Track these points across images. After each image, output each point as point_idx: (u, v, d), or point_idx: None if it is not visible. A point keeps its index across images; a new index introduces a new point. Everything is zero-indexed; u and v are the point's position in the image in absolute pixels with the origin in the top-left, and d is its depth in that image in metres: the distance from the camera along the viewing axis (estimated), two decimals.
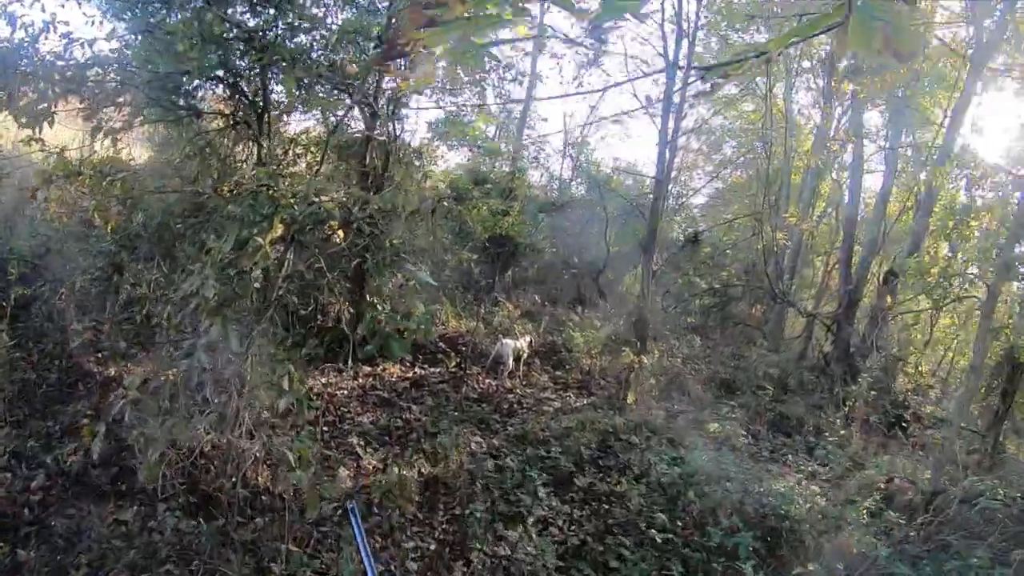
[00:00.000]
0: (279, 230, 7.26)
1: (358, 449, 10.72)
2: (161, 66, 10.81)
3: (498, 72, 18.36)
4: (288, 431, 9.37)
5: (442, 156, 22.11)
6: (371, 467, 10.30)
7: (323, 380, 12.98)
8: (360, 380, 13.40)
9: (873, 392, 17.23)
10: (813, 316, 20.91)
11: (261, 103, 11.99)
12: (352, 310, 14.27)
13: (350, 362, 13.87)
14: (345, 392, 12.72)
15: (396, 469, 10.03)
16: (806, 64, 25.26)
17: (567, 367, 15.90)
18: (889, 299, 18.93)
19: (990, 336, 17.21)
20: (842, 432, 15.15)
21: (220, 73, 11.75)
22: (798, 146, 25.09)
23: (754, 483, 11.24)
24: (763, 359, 19.52)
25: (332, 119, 14.94)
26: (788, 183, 24.12)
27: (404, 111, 16.39)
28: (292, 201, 7.78)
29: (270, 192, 7.79)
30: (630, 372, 14.18)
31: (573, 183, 25.55)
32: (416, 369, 14.41)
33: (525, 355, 15.16)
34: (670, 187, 24.09)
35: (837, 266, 26.18)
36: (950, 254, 19.95)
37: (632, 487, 10.76)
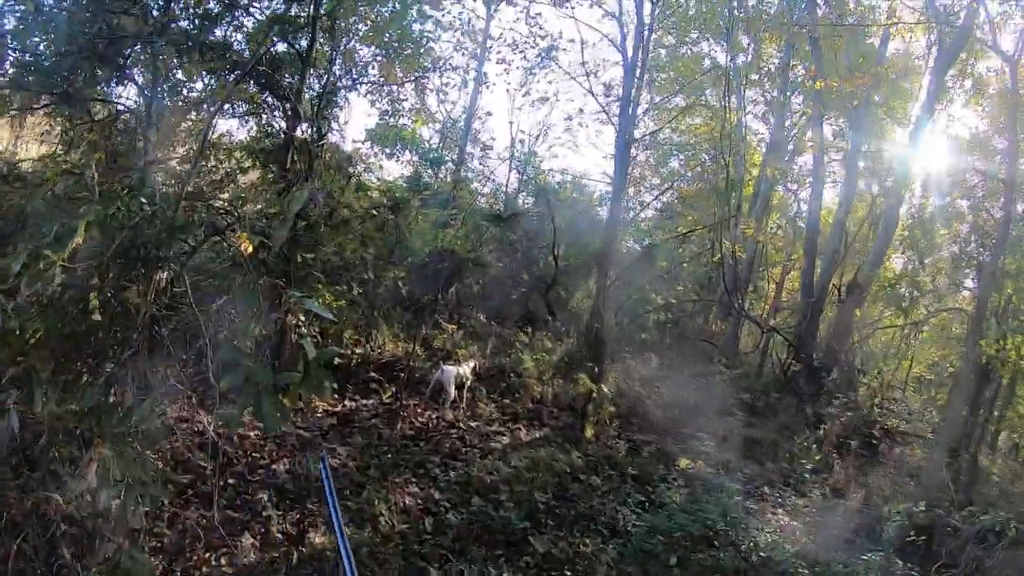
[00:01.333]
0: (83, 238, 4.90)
1: (268, 509, 8.46)
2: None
3: (438, 73, 16.30)
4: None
5: (380, 165, 20.03)
6: (281, 536, 8.06)
7: None
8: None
9: (844, 410, 15.44)
10: (774, 331, 18.95)
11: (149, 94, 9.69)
12: (273, 337, 12.05)
13: None
14: (257, 433, 10.41)
15: (313, 537, 7.79)
16: (755, 77, 23.43)
17: (516, 394, 13.75)
18: (858, 312, 17.08)
19: (968, 345, 15.70)
20: (817, 457, 13.23)
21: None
22: (748, 158, 23.22)
23: (738, 531, 9.22)
24: (723, 377, 17.52)
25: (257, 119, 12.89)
26: (740, 194, 22.25)
27: (336, 112, 14.34)
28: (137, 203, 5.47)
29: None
30: (587, 402, 12.03)
31: (520, 195, 23.37)
32: (346, 402, 12.19)
33: (469, 382, 13.03)
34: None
35: (793, 279, 24.61)
36: (920, 264, 18.30)
37: (598, 548, 8.63)
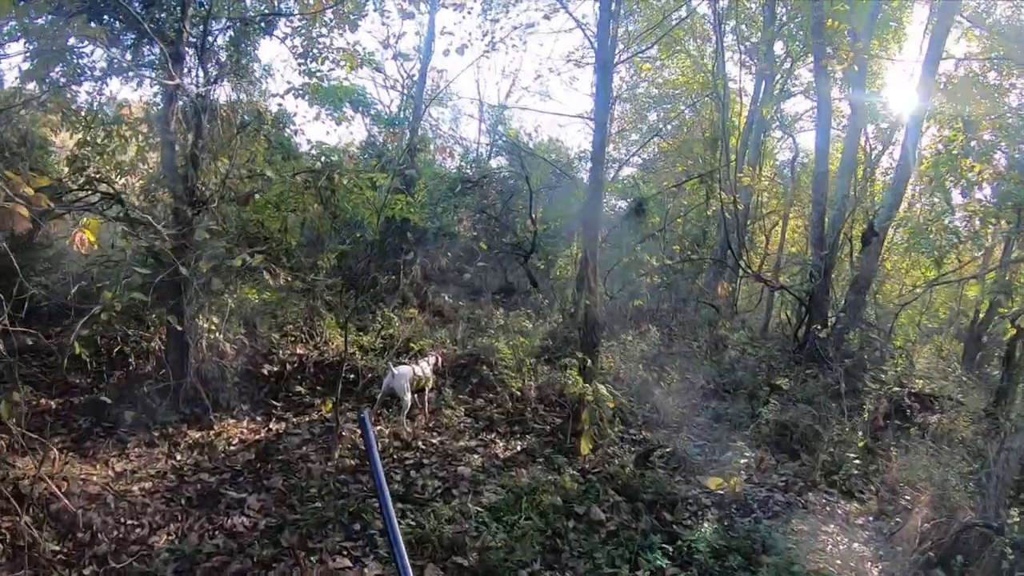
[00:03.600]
0: None
1: None
2: None
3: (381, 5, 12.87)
4: None
5: (328, 130, 16.62)
6: None
7: (117, 467, 7.61)
8: (178, 457, 8.04)
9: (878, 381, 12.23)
10: (783, 289, 15.64)
11: None
12: (172, 346, 8.88)
13: (169, 427, 8.40)
14: (148, 485, 7.28)
15: None
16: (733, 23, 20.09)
17: (493, 391, 10.43)
18: (887, 264, 13.78)
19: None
20: (861, 443, 9.93)
21: None
22: (731, 107, 19.89)
23: None
24: (734, 346, 14.28)
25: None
26: (727, 144, 18.92)
27: (252, 64, 10.99)
28: None
29: None
30: (579, 408, 8.66)
31: (494, 158, 19.89)
32: (271, 424, 8.93)
33: (431, 383, 9.70)
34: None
35: (793, 230, 21.38)
36: (950, 205, 15.00)
37: None
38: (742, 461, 8.19)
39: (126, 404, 8.54)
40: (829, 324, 14.16)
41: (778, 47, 21.44)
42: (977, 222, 13.87)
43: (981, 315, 16.81)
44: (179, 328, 8.58)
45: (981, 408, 12.01)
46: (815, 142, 16.23)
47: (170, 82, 8.22)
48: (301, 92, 11.24)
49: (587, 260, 10.21)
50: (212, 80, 9.16)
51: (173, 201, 8.74)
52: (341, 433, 8.45)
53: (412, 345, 10.81)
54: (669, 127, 24.91)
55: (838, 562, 7.03)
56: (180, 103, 8.87)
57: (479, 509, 7.12)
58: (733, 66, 20.74)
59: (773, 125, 22.23)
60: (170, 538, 6.38)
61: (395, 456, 8.37)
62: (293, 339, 11.00)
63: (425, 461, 8.29)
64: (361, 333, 11.43)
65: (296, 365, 10.32)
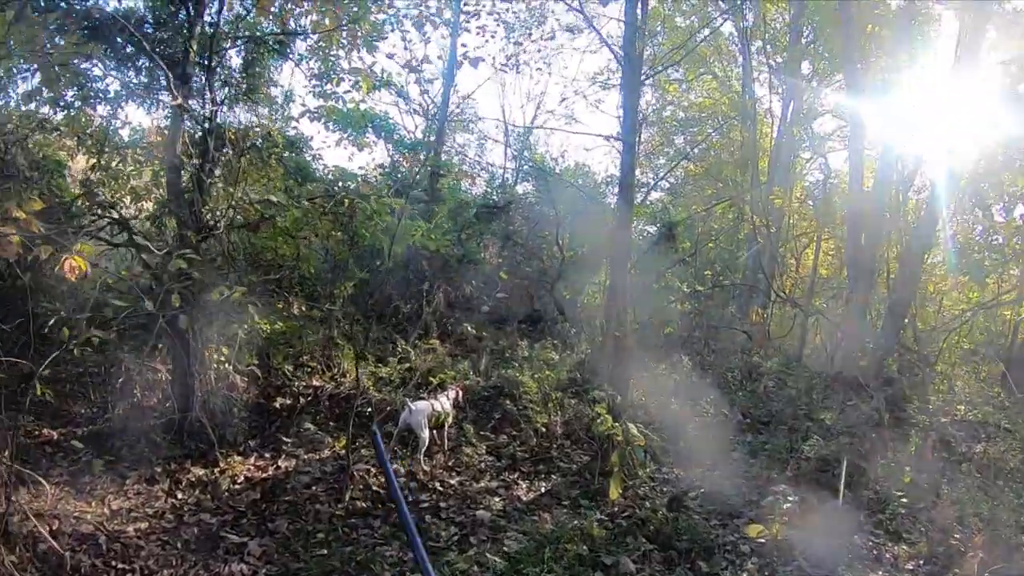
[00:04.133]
0: None
1: None
2: None
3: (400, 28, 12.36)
4: None
5: (350, 156, 16.18)
6: None
7: (114, 504, 7.06)
8: (179, 495, 7.47)
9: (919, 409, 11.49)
10: (820, 314, 14.88)
11: None
12: (177, 377, 8.38)
13: (172, 463, 7.85)
14: (145, 525, 6.73)
15: None
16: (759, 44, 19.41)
17: (516, 428, 9.77)
18: (930, 286, 12.99)
19: None
20: (907, 479, 9.11)
21: None
22: (759, 128, 19.18)
23: None
24: (769, 375, 13.51)
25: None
26: (755, 166, 18.21)
27: (268, 86, 10.57)
28: None
29: None
30: (609, 447, 7.98)
31: (520, 183, 19.28)
32: (280, 461, 8.33)
33: (450, 419, 9.06)
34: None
35: (826, 252, 20.56)
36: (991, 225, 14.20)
37: None
38: (785, 506, 7.44)
39: (129, 437, 8.04)
40: (868, 350, 13.36)
41: (805, 66, 20.83)
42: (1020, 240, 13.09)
43: (1021, 336, 15.96)
44: (185, 359, 8.11)
45: None
46: (849, 160, 15.48)
47: (173, 102, 7.76)
48: (316, 115, 10.74)
49: (616, 288, 9.58)
50: (219, 102, 8.67)
51: (177, 227, 8.26)
52: (352, 474, 7.83)
53: (431, 379, 10.21)
54: (696, 150, 24.21)
55: None
56: (187, 126, 8.44)
57: (498, 560, 6.50)
58: (760, 87, 20.16)
59: (803, 145, 21.50)
60: None
61: (410, 498, 7.75)
62: (309, 371, 10.43)
63: (442, 504, 7.67)
64: (380, 365, 10.83)
65: (310, 398, 9.77)
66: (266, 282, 9.52)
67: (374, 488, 7.84)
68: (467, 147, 20.69)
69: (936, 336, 15.28)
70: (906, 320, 13.96)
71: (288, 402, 9.61)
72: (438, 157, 14.75)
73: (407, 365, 10.75)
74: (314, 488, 7.78)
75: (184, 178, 8.42)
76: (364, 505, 7.49)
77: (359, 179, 11.37)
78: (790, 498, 7.56)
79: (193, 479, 7.73)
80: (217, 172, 8.86)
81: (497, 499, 7.91)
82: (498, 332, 14.06)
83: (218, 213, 8.41)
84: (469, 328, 13.00)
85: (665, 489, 8.51)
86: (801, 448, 9.82)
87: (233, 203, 8.22)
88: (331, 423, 9.38)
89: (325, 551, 6.54)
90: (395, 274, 13.13)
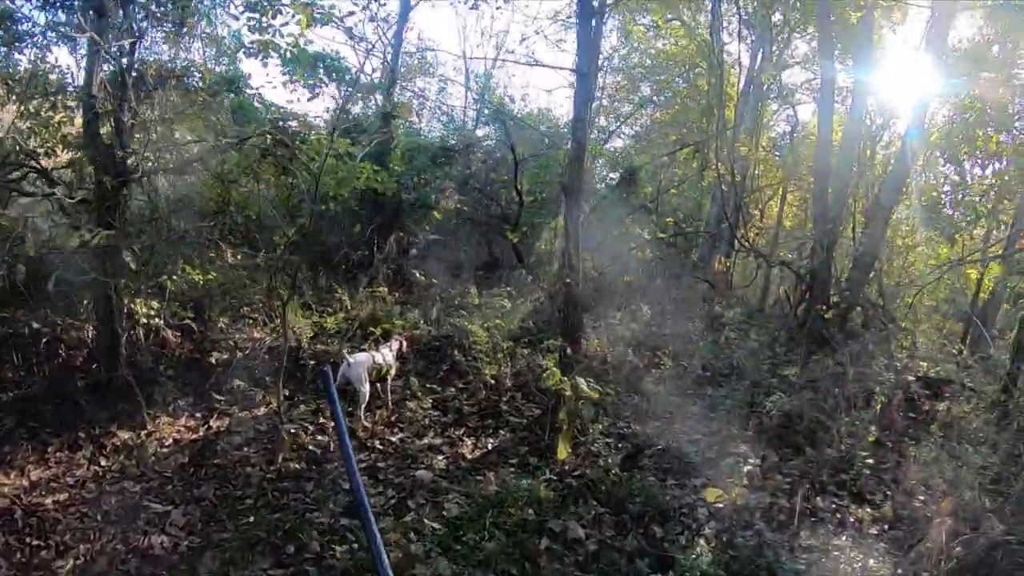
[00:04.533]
0: None
1: None
2: None
3: None
4: None
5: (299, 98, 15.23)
6: None
7: (34, 474, 6.51)
8: (102, 462, 6.86)
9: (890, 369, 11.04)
10: (784, 265, 14.36)
11: None
12: (102, 334, 7.64)
13: (96, 427, 7.29)
14: (64, 496, 6.19)
15: None
16: None
17: (464, 380, 9.14)
18: (899, 241, 12.48)
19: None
20: (871, 438, 8.69)
21: None
22: (728, 78, 18.41)
23: None
24: (732, 326, 12.98)
25: None
26: (722, 112, 17.50)
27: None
28: None
29: None
30: (557, 403, 7.38)
31: (477, 125, 18.39)
32: (212, 421, 7.64)
33: (393, 371, 8.39)
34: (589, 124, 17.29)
35: (794, 204, 20.06)
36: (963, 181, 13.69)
37: None
38: (745, 469, 6.90)
39: (54, 401, 7.41)
40: (833, 304, 12.86)
41: (776, 16, 20.07)
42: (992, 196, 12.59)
43: (983, 295, 15.55)
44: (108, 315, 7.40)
45: (990, 394, 10.86)
46: (818, 111, 14.81)
47: (80, 35, 6.92)
48: (252, 51, 9.79)
49: (569, 232, 8.86)
50: (139, 35, 7.80)
51: (95, 174, 7.46)
52: (283, 434, 7.18)
53: (372, 329, 9.53)
54: (662, 98, 23.47)
55: None
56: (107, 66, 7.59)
57: (436, 526, 5.90)
58: (728, 36, 19.38)
59: (770, 95, 20.80)
60: (78, 562, 5.31)
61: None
62: (251, 322, 9.72)
63: (380, 464, 7.07)
64: (325, 315, 10.11)
65: (248, 352, 9.05)
66: (198, 230, 8.77)
67: (310, 448, 7.22)
68: (427, 91, 19.80)
69: (901, 292, 14.81)
70: (872, 275, 13.46)
71: (224, 357, 8.91)
72: (391, 98, 13.84)
73: (354, 314, 10.02)
74: (246, 449, 7.17)
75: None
76: (297, 467, 6.89)
77: (301, 118, 10.55)
78: (751, 460, 7.03)
79: (118, 443, 7.11)
80: (143, 114, 8.05)
81: (440, 457, 7.31)
82: (453, 279, 13.39)
83: (141, 158, 7.64)
84: (419, 275, 12.30)
85: (620, 446, 7.95)
86: (763, 403, 9.30)
87: (153, 146, 7.45)
88: (268, 379, 8.69)
89: (252, 518, 5.94)
90: (344, 220, 12.37)
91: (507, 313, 10.75)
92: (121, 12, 7.57)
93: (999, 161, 13.14)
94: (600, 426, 7.83)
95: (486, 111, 18.07)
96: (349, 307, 10.29)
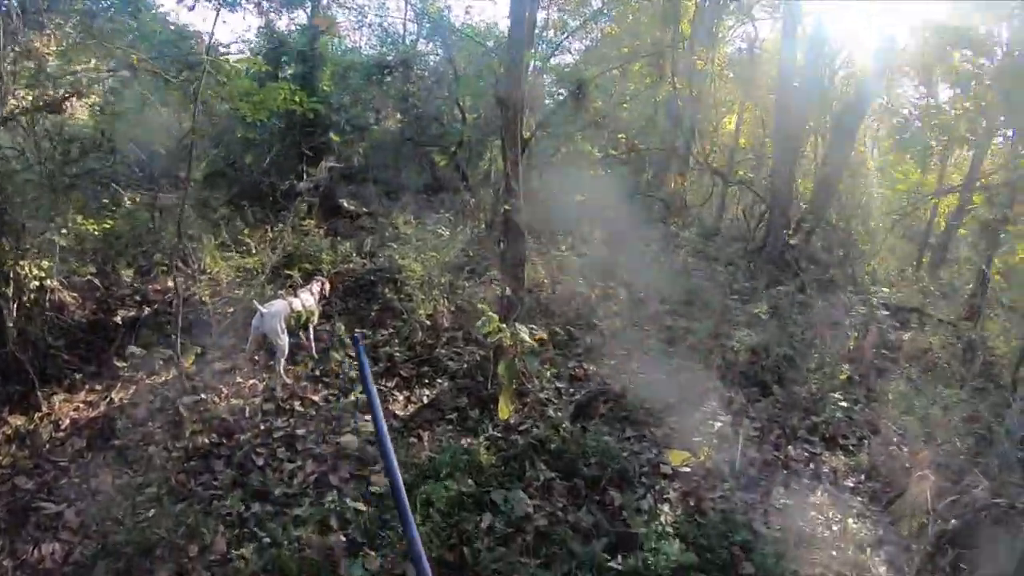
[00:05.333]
0: None
1: None
2: None
3: None
4: None
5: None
6: None
7: None
8: (6, 450, 5.79)
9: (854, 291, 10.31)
10: (743, 184, 13.42)
11: None
12: None
13: None
14: None
15: None
16: None
17: (398, 320, 8.05)
18: (869, 164, 11.56)
19: None
20: (843, 375, 8.01)
21: None
22: None
23: None
24: (688, 248, 12.02)
25: None
26: (678, 21, 16.24)
27: None
28: None
29: None
30: (496, 354, 6.34)
31: (416, 39, 16.86)
32: (115, 393, 6.52)
33: (315, 318, 7.32)
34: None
35: (749, 123, 18.97)
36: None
37: None
38: (715, 426, 5.98)
39: None
40: (795, 225, 11.97)
41: None
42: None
43: (941, 220, 14.81)
44: None
45: (955, 324, 10.17)
46: (783, 22, 13.63)
47: None
48: None
49: (507, 150, 7.71)
50: None
51: None
52: (182, 407, 6.10)
53: (289, 271, 8.38)
54: (614, 12, 22.00)
55: (834, 554, 5.01)
56: None
57: (360, 507, 4.93)
58: None
59: (729, 8, 19.45)
60: None
61: (262, 426, 6.06)
62: (165, 271, 8.45)
63: (300, 431, 6.03)
64: (248, 255, 8.89)
65: (156, 306, 7.87)
66: (88, 172, 7.50)
67: (223, 416, 6.13)
68: (367, 7, 18.23)
69: (861, 213, 13.96)
70: (836, 197, 12.60)
71: (131, 314, 7.72)
72: (318, 12, 12.41)
73: (278, 252, 8.80)
74: (150, 424, 6.07)
75: None
76: (206, 441, 5.84)
77: (201, 37, 9.17)
78: (719, 415, 6.12)
79: (10, 432, 5.94)
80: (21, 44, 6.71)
81: (368, 418, 6.26)
82: (392, 204, 12.22)
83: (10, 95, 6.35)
84: (348, 204, 11.10)
85: (571, 391, 7.00)
86: (727, 336, 8.40)
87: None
88: (181, 335, 7.54)
89: (153, 511, 4.92)
90: (270, 147, 11.08)
91: (446, 243, 9.64)
92: None
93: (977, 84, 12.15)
94: (545, 377, 6.83)
95: (426, 25, 16.57)
96: (273, 244, 9.06)
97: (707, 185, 16.94)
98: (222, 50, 9.71)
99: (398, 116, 14.58)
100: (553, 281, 9.40)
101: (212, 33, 7.23)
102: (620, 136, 14.88)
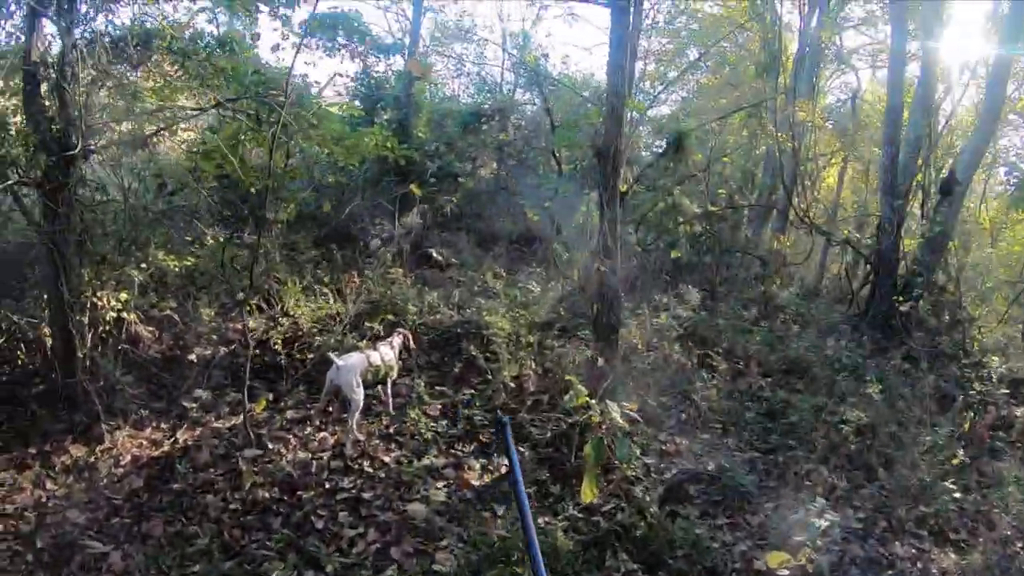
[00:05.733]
0: None
1: None
2: None
3: None
4: None
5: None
6: None
7: None
8: (49, 484, 5.60)
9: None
10: (847, 244, 12.62)
11: None
12: (56, 334, 6.46)
13: (51, 441, 6.19)
14: (1, 528, 5.03)
15: None
16: None
17: (484, 378, 7.59)
18: (983, 219, 10.70)
19: None
20: (955, 459, 7.05)
21: None
22: (783, 44, 16.35)
23: None
24: (789, 311, 11.32)
25: None
26: (777, 70, 15.57)
27: None
28: None
29: None
30: (583, 431, 5.79)
31: (514, 91, 16.66)
32: (181, 433, 6.30)
33: (395, 372, 6.95)
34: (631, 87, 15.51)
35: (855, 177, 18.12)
36: None
37: None
38: (819, 524, 5.29)
39: (6, 411, 6.25)
40: (901, 287, 11.10)
41: None
42: None
43: None
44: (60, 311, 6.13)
45: None
46: (888, 71, 12.92)
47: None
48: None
49: (603, 205, 7.21)
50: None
51: (32, 151, 6.11)
52: (242, 462, 5.79)
53: (369, 323, 8.03)
54: (711, 62, 21.48)
55: None
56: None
57: None
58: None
59: (829, 57, 18.72)
60: None
61: (327, 484, 5.68)
62: (249, 311, 8.25)
63: (367, 495, 5.60)
64: (332, 300, 8.63)
65: (233, 346, 7.64)
66: (173, 209, 7.43)
67: (286, 470, 5.78)
68: (466, 56, 18.16)
69: (974, 275, 12.90)
70: (945, 258, 11.67)
71: (207, 353, 7.51)
72: (413, 58, 12.30)
73: (362, 299, 8.50)
74: (211, 471, 5.79)
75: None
76: (266, 495, 5.48)
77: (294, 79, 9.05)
78: (827, 516, 5.41)
79: (69, 463, 5.82)
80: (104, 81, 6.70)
81: (441, 485, 5.80)
82: (484, 254, 11.89)
83: (89, 129, 6.31)
84: (435, 254, 10.78)
85: (661, 468, 6.39)
86: (830, 411, 7.66)
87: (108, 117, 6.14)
88: (260, 379, 7.28)
89: (199, 567, 4.59)
90: (360, 192, 10.93)
91: (537, 299, 9.18)
92: None
93: None
94: (636, 452, 6.23)
95: (523, 75, 16.35)
96: (358, 291, 8.78)
97: (807, 242, 16.12)
98: (314, 92, 9.64)
99: (494, 165, 14.36)
100: (647, 346, 8.80)
101: (290, 72, 7.03)
102: (720, 191, 14.26)
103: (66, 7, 6.29)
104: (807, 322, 11.11)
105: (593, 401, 5.65)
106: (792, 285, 13.65)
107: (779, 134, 12.37)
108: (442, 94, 15.86)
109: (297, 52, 7.07)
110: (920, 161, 11.99)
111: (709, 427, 7.40)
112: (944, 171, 12.04)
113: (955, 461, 7.08)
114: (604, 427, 5.51)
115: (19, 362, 6.72)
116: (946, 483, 6.49)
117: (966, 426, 7.80)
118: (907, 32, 12.77)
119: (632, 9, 7.68)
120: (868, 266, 12.21)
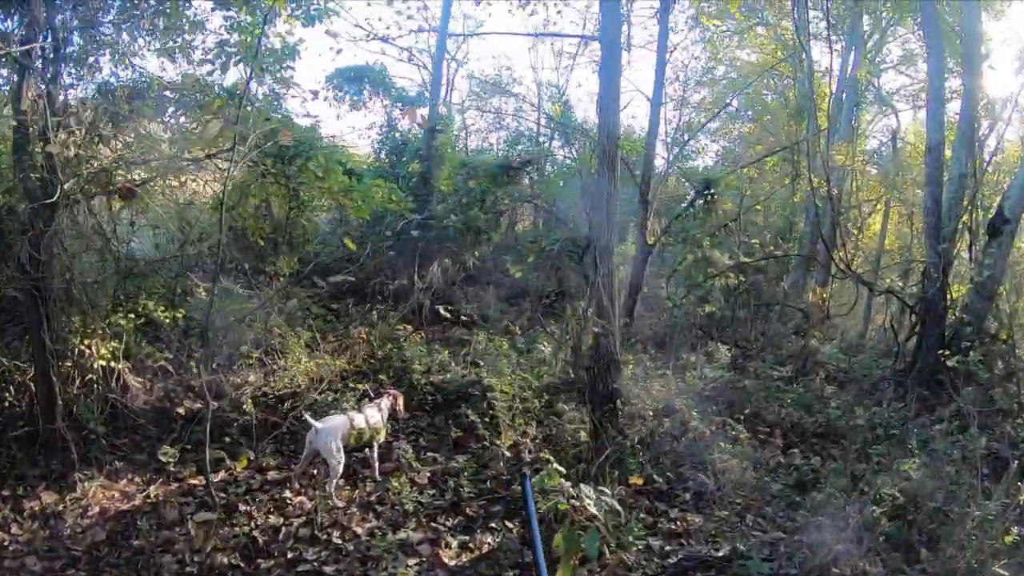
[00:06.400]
0: None
1: None
2: None
3: None
4: None
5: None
6: None
7: None
8: (13, 530, 5.30)
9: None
10: (890, 293, 11.66)
11: None
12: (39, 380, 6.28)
13: (24, 486, 5.91)
14: None
15: None
16: None
17: (482, 444, 6.86)
18: None
19: None
20: (1008, 537, 5.84)
21: None
22: (819, 88, 15.57)
23: None
24: (830, 367, 10.39)
25: None
26: (813, 112, 14.75)
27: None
28: None
29: None
30: (557, 520, 4.94)
31: (550, 140, 16.17)
32: (155, 488, 5.90)
33: (382, 436, 6.29)
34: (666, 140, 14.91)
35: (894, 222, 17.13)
36: None
37: None
38: None
39: None
40: (949, 338, 10.13)
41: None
42: None
43: None
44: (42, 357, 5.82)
45: None
46: (927, 109, 12.00)
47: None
48: (228, 52, 7.68)
49: (597, 262, 6.53)
50: (61, 40, 6.17)
51: (13, 199, 5.90)
52: (193, 525, 5.23)
53: (357, 385, 7.42)
54: (751, 111, 20.80)
55: None
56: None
57: None
58: (814, 42, 16.63)
59: (869, 99, 17.89)
60: None
61: (290, 554, 5.01)
62: (250, 364, 7.76)
63: (327, 569, 4.92)
64: (335, 356, 8.08)
65: (228, 400, 7.14)
66: (161, 261, 7.08)
67: (252, 534, 5.16)
68: (504, 112, 17.82)
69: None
70: (996, 303, 10.66)
71: (197, 406, 6.99)
72: (436, 111, 11.88)
73: (361, 356, 7.94)
74: (177, 530, 5.27)
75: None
76: (224, 561, 4.90)
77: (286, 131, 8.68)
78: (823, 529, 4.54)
79: (37, 509, 5.46)
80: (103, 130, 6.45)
81: (413, 563, 5.04)
82: (510, 310, 11.27)
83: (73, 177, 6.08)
84: (443, 311, 10.18)
85: (666, 550, 5.53)
86: (868, 482, 6.70)
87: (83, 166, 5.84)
88: (246, 434, 6.73)
89: None
90: (377, 246, 10.45)
91: (547, 359, 8.48)
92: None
93: None
94: (635, 530, 5.37)
95: (546, 124, 15.90)
96: (359, 347, 8.22)
97: (852, 293, 15.13)
98: (326, 142, 9.32)
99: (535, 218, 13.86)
100: (665, 411, 7.91)
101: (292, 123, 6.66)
102: (754, 241, 13.39)
103: (51, 57, 6.12)
104: (847, 380, 10.15)
105: (567, 484, 4.82)
106: (835, 339, 12.70)
107: (815, 179, 11.55)
108: (476, 146, 15.48)
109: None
110: (965, 201, 11.08)
111: (728, 503, 6.51)
112: (992, 210, 11.13)
113: (1008, 540, 6.08)
114: (578, 515, 4.66)
115: (6, 404, 6.41)
116: (996, 567, 5.52)
117: (1021, 497, 6.78)
118: (945, 66, 11.96)
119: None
120: (913, 316, 11.23)
